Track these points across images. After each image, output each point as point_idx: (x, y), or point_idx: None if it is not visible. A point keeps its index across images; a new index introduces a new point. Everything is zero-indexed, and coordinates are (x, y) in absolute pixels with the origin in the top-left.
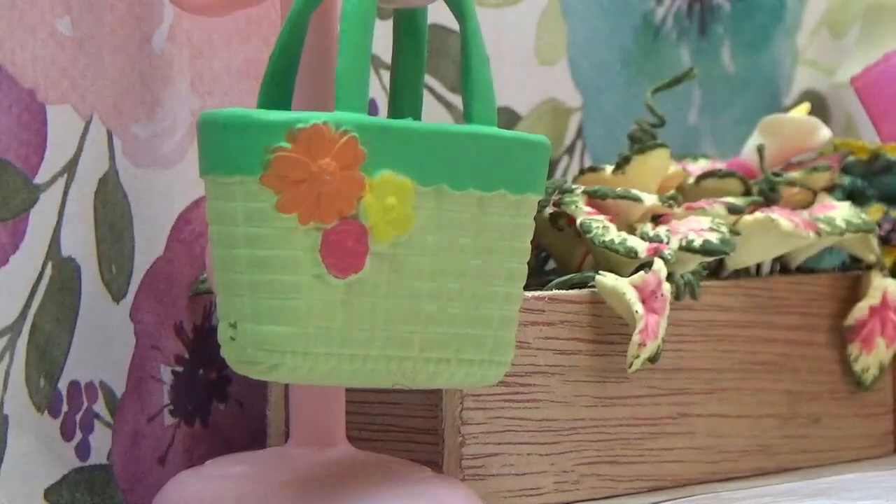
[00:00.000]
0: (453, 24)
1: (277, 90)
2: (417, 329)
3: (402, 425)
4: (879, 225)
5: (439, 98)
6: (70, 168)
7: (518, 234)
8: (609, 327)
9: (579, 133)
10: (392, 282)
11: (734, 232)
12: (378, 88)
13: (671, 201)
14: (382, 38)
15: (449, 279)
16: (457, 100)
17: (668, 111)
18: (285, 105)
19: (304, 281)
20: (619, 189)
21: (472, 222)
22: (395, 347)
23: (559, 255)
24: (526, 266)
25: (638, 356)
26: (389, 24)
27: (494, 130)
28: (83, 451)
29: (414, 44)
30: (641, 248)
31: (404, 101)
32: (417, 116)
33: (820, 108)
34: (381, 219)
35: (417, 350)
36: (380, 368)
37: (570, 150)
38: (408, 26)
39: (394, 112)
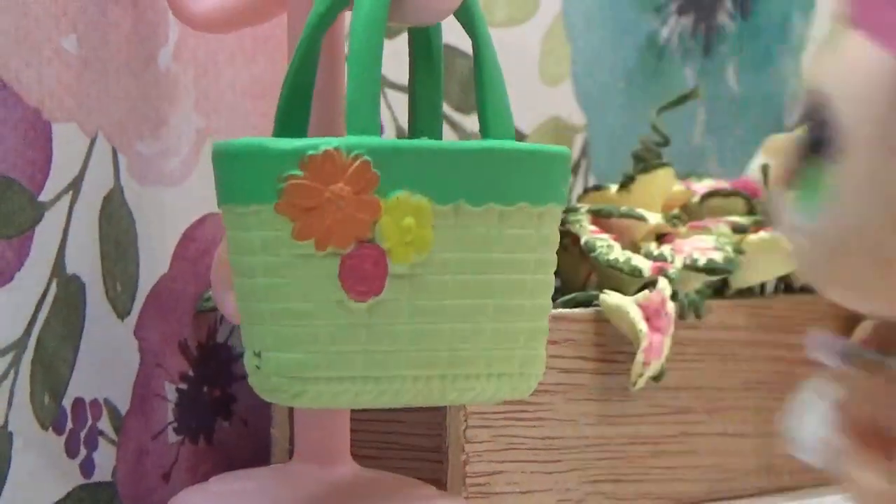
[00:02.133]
0: (458, 43)
1: (293, 116)
2: (443, 347)
3: (406, 443)
4: None
5: (446, 117)
6: (75, 185)
7: (543, 246)
8: (613, 346)
9: (583, 152)
10: (414, 302)
11: (738, 251)
12: (383, 107)
13: (676, 220)
14: (388, 57)
15: (473, 296)
16: (463, 119)
17: (673, 130)
18: (301, 131)
19: (325, 307)
20: (623, 208)
21: (493, 237)
22: (422, 367)
23: (563, 273)
24: (553, 277)
25: (642, 374)
26: (394, 42)
27: (512, 144)
28: (87, 468)
29: (429, 62)
30: (646, 266)
31: (424, 120)
32: (438, 135)
33: None
34: (398, 240)
35: (445, 368)
36: (407, 388)
37: (574, 169)
38: (422, 45)
39: (414, 133)
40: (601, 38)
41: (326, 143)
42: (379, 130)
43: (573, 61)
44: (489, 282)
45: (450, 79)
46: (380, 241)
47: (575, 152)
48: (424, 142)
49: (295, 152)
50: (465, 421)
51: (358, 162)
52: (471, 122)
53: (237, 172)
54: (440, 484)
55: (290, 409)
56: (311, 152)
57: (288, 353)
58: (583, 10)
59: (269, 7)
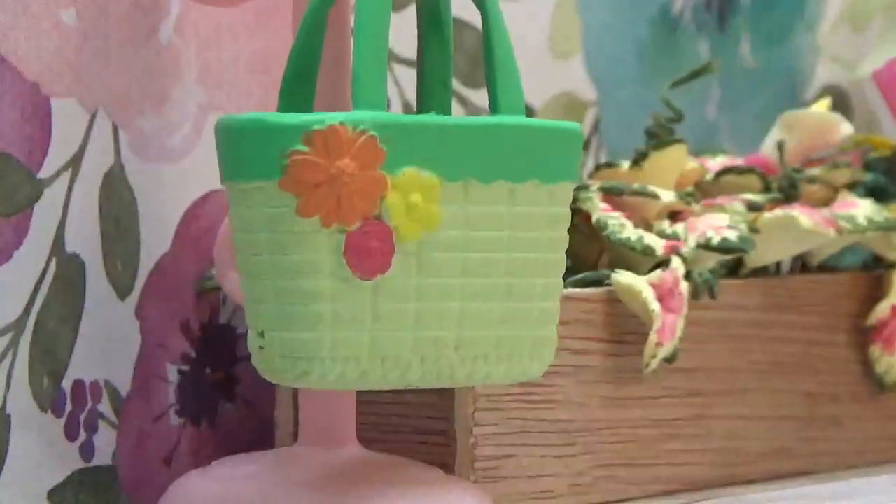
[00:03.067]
0: (465, 15)
1: (298, 91)
2: (451, 327)
3: (414, 426)
4: None
5: (454, 93)
6: (75, 162)
7: (554, 224)
8: (625, 326)
9: (595, 128)
10: (421, 281)
11: (753, 229)
12: (390, 82)
13: (689, 198)
14: (395, 30)
15: (482, 275)
16: (471, 93)
17: (686, 106)
18: (307, 106)
19: (329, 285)
20: (635, 185)
21: (503, 215)
22: (429, 347)
23: (574, 252)
24: (564, 256)
25: (655, 356)
26: (402, 15)
27: (522, 120)
28: (87, 451)
29: (439, 35)
30: (658, 245)
31: (433, 95)
32: (447, 110)
33: (841, 103)
34: (405, 217)
35: (452, 349)
36: (414, 370)
37: (585, 145)
38: (431, 17)
39: (422, 108)
40: (612, 11)
41: (332, 118)
42: (386, 105)
43: (584, 35)
44: (499, 260)
45: (458, 52)
46: (386, 218)
47: (586, 128)
48: (433, 117)
49: (299, 127)
50: (474, 403)
51: (364, 137)
52: (480, 97)
53: (241, 148)
54: (448, 468)
55: (295, 391)
56: (316, 127)
57: (292, 332)
58: None
59: None
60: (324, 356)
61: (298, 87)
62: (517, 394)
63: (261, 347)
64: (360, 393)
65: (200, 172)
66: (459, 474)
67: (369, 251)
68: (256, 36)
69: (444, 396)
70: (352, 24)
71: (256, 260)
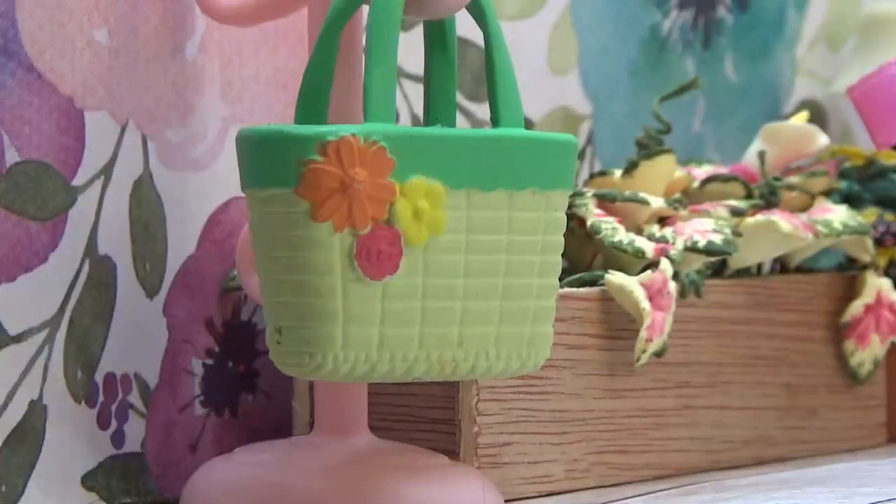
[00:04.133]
0: (471, 35)
1: (314, 105)
2: (455, 325)
3: (421, 416)
4: (874, 227)
5: (459, 106)
6: (107, 171)
7: (550, 229)
8: (618, 323)
9: (589, 139)
10: (427, 281)
11: (736, 233)
12: (399, 96)
13: (677, 204)
14: (404, 48)
15: (484, 276)
16: (475, 108)
17: (674, 119)
18: (322, 119)
19: (342, 285)
20: (627, 192)
21: (504, 220)
22: (434, 344)
23: (570, 254)
24: (560, 259)
25: (645, 351)
26: (410, 35)
27: (521, 132)
28: (118, 439)
29: (444, 53)
30: (649, 248)
31: (439, 108)
32: (452, 122)
33: (818, 116)
34: (413, 222)
35: (456, 345)
36: (420, 364)
37: (580, 156)
38: (437, 36)
39: (429, 120)
40: (606, 31)
41: (345, 130)
42: (394, 118)
43: (580, 53)
44: (499, 262)
45: (463, 69)
46: (395, 223)
47: (581, 140)
48: (438, 129)
49: (315, 138)
50: (477, 394)
51: (374, 147)
52: (483, 111)
53: (260, 157)
54: (453, 454)
55: (310, 383)
56: (330, 138)
57: (307, 329)
58: (589, 5)
59: (291, 1)
60: (336, 351)
61: (313, 101)
62: (517, 385)
63: (278, 343)
64: (370, 385)
65: (223, 180)
66: (464, 460)
67: (379, 254)
68: (275, 54)
69: (449, 388)
70: (363, 42)
71: (274, 261)
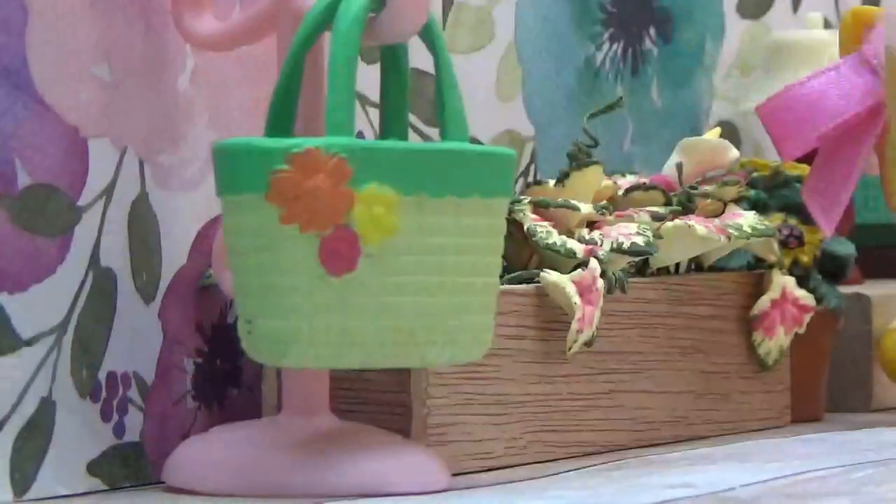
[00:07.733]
0: (427, 67)
1: (281, 120)
2: (406, 318)
3: (377, 399)
4: (779, 230)
5: (418, 131)
6: (108, 192)
7: (492, 233)
8: (552, 317)
9: (532, 158)
10: (382, 279)
11: (657, 236)
12: (365, 123)
13: (604, 210)
14: (370, 81)
15: (433, 274)
16: (432, 132)
17: (606, 139)
18: (288, 132)
19: (306, 281)
20: (559, 199)
21: (451, 224)
22: (388, 335)
23: (509, 255)
24: (500, 259)
25: (576, 341)
26: (374, 68)
27: (466, 145)
28: (119, 430)
29: (397, 75)
30: (579, 249)
31: (393, 125)
32: (404, 136)
33: (731, 133)
34: (369, 225)
35: (407, 336)
36: (375, 353)
37: (524, 173)
38: (391, 60)
39: (384, 135)
40: (547, 63)
41: (308, 143)
42: (353, 132)
43: (524, 82)
44: (446, 262)
45: (421, 97)
46: (353, 226)
47: (525, 159)
48: (392, 142)
49: (282, 150)
50: (427, 380)
51: (335, 158)
52: (437, 136)
53: (233, 166)
54: (405, 433)
55: (278, 370)
56: (295, 150)
57: (275, 320)
58: (532, 39)
59: (263, 29)
60: (301, 340)
61: (281, 117)
62: (462, 372)
63: (249, 333)
64: (332, 372)
65: (212, 199)
66: (415, 439)
67: (339, 253)
68: (257, 86)
69: (402, 374)
70: (326, 65)
71: (245, 260)
